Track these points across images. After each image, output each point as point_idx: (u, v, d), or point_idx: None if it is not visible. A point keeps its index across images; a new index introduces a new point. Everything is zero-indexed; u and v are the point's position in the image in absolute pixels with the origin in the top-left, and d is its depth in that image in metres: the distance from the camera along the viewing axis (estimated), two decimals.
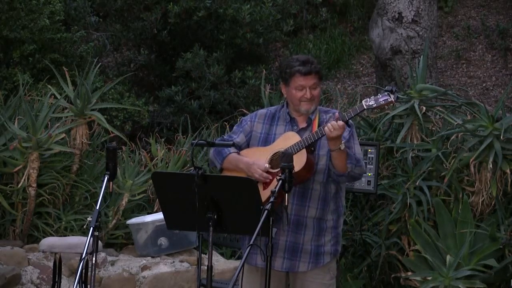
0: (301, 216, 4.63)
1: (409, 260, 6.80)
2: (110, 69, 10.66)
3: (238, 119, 4.98)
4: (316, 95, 4.66)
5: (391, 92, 4.43)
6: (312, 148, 4.58)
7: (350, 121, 4.52)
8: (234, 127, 4.89)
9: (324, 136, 4.47)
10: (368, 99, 4.50)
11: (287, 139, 4.61)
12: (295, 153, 4.49)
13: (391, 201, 6.95)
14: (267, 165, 4.61)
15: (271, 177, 4.59)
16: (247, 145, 4.79)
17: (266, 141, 4.73)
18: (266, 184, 4.60)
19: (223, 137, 4.99)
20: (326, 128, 4.41)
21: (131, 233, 6.90)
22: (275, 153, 4.63)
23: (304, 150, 4.53)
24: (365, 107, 4.49)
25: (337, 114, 4.46)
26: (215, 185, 4.36)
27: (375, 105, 4.47)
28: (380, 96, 4.48)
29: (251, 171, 4.60)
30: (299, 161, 4.47)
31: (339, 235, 4.78)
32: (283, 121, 4.75)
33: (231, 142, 4.73)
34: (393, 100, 4.45)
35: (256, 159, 4.64)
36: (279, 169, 4.49)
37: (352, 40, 12.20)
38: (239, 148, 4.78)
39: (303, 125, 4.70)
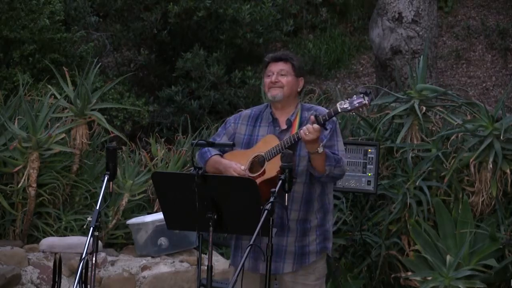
0: (283, 219, 4.58)
1: (409, 260, 6.80)
2: (110, 69, 10.66)
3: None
4: (284, 82, 4.62)
5: (366, 94, 4.45)
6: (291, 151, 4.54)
7: (334, 117, 4.50)
8: (219, 129, 4.86)
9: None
10: (342, 101, 4.47)
11: (266, 143, 4.58)
12: (272, 157, 4.48)
13: (391, 201, 6.95)
14: (243, 167, 4.56)
15: None
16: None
17: (249, 143, 4.68)
18: None
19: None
20: (301, 131, 4.39)
21: (131, 233, 6.90)
22: (255, 157, 4.60)
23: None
24: (339, 110, 4.45)
25: (312, 117, 4.43)
26: (215, 185, 4.35)
27: (349, 108, 4.46)
28: (356, 98, 4.46)
29: (227, 174, 4.55)
30: (275, 165, 4.43)
31: (327, 232, 4.69)
32: (265, 122, 4.71)
33: (231, 142, 4.71)
34: (367, 102, 4.45)
35: (237, 162, 4.60)
36: (259, 173, 4.48)
37: (352, 40, 12.21)
38: (223, 151, 4.75)
39: (284, 126, 4.66)
